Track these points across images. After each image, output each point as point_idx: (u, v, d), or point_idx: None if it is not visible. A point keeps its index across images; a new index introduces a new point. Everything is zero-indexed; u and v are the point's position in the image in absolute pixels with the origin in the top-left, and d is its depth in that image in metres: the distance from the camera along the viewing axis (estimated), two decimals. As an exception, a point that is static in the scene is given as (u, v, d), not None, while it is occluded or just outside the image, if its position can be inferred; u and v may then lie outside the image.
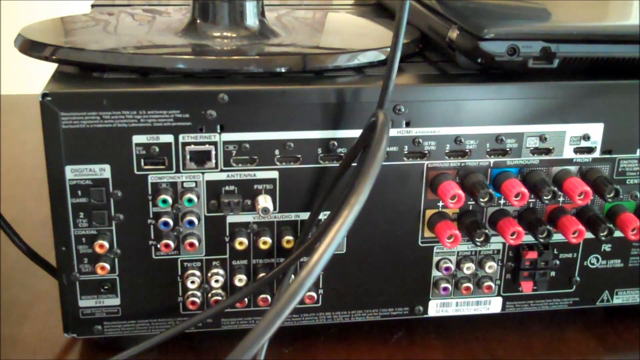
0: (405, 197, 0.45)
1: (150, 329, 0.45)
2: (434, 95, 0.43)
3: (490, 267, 0.47)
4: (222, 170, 0.42)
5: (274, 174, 0.43)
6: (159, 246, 0.43)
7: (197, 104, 0.41)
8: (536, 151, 0.45)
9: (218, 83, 0.42)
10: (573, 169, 0.46)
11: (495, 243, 0.47)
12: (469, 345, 0.48)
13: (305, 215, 0.44)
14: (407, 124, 0.43)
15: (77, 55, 0.43)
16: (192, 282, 0.44)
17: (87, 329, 0.45)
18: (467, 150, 0.44)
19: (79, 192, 0.41)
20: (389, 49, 0.40)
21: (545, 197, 0.44)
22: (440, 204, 0.45)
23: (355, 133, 0.42)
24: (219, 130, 0.41)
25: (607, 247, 0.48)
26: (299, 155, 0.43)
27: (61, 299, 0.44)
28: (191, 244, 0.43)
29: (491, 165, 0.45)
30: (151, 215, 0.43)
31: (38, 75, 0.58)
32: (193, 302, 0.44)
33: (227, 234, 0.44)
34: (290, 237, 0.44)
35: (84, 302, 0.44)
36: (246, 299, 0.45)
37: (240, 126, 0.42)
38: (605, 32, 0.44)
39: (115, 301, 0.44)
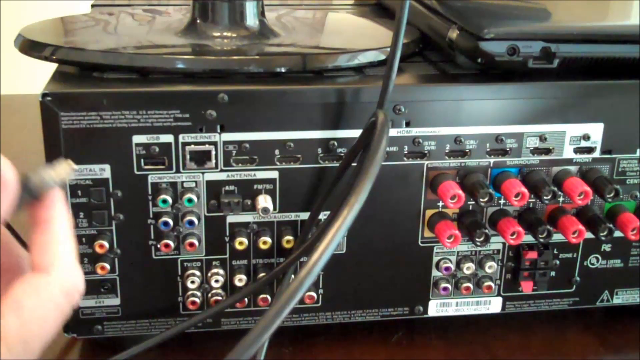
0: (405, 197, 0.45)
1: (150, 329, 0.45)
2: (434, 95, 0.43)
3: (490, 267, 0.47)
4: (222, 170, 0.42)
5: (274, 174, 0.43)
6: (159, 246, 0.43)
7: (197, 104, 0.41)
8: (536, 151, 0.45)
9: (218, 83, 0.42)
10: (573, 169, 0.46)
11: (495, 243, 0.47)
12: (469, 345, 0.48)
13: (305, 215, 0.44)
14: (407, 124, 0.43)
15: (77, 55, 0.43)
16: (192, 282, 0.44)
17: (87, 329, 0.45)
18: (467, 150, 0.44)
19: (79, 192, 0.41)
20: (389, 49, 0.40)
21: (545, 197, 0.44)
22: (440, 204, 0.45)
23: (355, 133, 0.42)
24: (219, 130, 0.41)
25: (607, 247, 0.48)
26: (299, 155, 0.43)
27: (61, 299, 0.44)
28: (191, 244, 0.43)
29: (491, 165, 0.45)
30: (151, 215, 0.42)
31: (38, 75, 0.57)
32: (193, 302, 0.44)
33: (227, 234, 0.44)
34: (290, 237, 0.44)
35: (84, 302, 0.44)
36: (246, 299, 0.45)
37: (240, 126, 0.42)
38: (605, 32, 0.44)
39: (115, 301, 0.44)
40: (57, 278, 0.30)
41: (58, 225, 0.31)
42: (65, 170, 0.32)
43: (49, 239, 0.31)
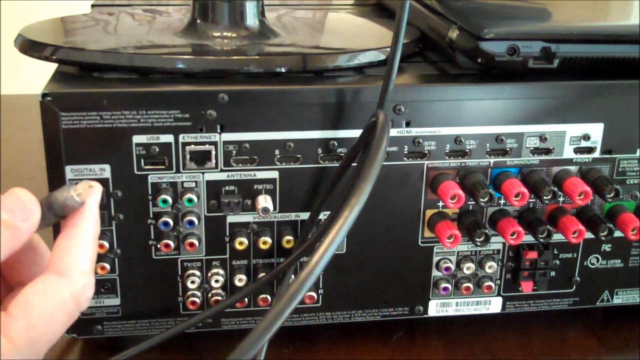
0: (405, 197, 0.45)
1: (150, 329, 0.45)
2: (434, 95, 0.43)
3: (490, 267, 0.47)
4: (222, 170, 0.42)
5: (274, 174, 0.43)
6: (159, 246, 0.43)
7: (197, 104, 0.41)
8: (536, 151, 0.45)
9: (218, 83, 0.42)
10: (573, 169, 0.46)
11: (495, 243, 0.47)
12: (469, 345, 0.48)
13: (305, 215, 0.44)
14: (407, 124, 0.43)
15: (77, 55, 0.43)
16: (192, 282, 0.44)
17: (87, 329, 0.45)
18: (467, 150, 0.44)
19: (79, 192, 0.41)
20: (389, 49, 0.40)
21: (545, 197, 0.44)
22: (440, 204, 0.45)
23: (355, 133, 0.42)
24: (219, 130, 0.41)
25: (607, 247, 0.48)
26: (299, 155, 0.43)
27: (61, 299, 0.44)
28: (191, 244, 0.43)
29: (491, 165, 0.45)
30: (151, 215, 0.42)
31: (38, 75, 0.57)
32: (193, 302, 0.44)
33: (227, 234, 0.44)
34: (290, 237, 0.44)
35: (84, 302, 0.44)
36: (246, 299, 0.45)
37: (240, 126, 0.42)
38: (605, 32, 0.44)
39: (115, 301, 0.44)
40: (69, 281, 0.31)
41: (83, 233, 0.33)
42: (84, 189, 0.33)
43: (71, 244, 0.32)
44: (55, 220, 0.33)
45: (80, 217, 0.33)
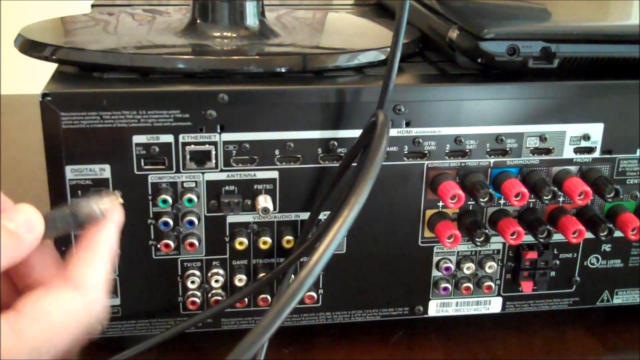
0: (405, 197, 0.45)
1: (150, 329, 0.45)
2: (434, 95, 0.43)
3: (490, 267, 0.47)
4: (222, 170, 0.42)
5: (274, 174, 0.43)
6: (159, 246, 0.43)
7: (197, 104, 0.41)
8: (536, 151, 0.45)
9: (218, 83, 0.42)
10: (573, 169, 0.46)
11: (495, 243, 0.47)
12: (469, 345, 0.48)
13: (305, 215, 0.44)
14: (407, 124, 0.43)
15: (77, 55, 0.43)
16: (192, 282, 0.44)
17: (87, 329, 0.45)
18: (467, 150, 0.44)
19: (79, 192, 0.41)
20: (389, 49, 0.40)
21: (545, 197, 0.44)
22: (440, 204, 0.45)
23: (355, 133, 0.42)
24: (219, 130, 0.41)
25: (607, 247, 0.48)
26: (299, 155, 0.43)
27: (61, 299, 0.44)
28: (191, 244, 0.43)
29: (491, 165, 0.45)
30: (151, 215, 0.42)
31: (38, 75, 0.57)
32: (193, 302, 0.44)
33: (227, 234, 0.44)
34: (290, 237, 0.44)
35: (84, 302, 0.44)
36: (246, 299, 0.45)
37: (240, 126, 0.42)
38: (605, 32, 0.44)
39: (115, 301, 0.44)
40: (85, 296, 0.32)
41: (102, 248, 0.33)
42: (111, 201, 0.33)
43: (89, 257, 0.33)
44: (73, 230, 0.33)
45: (101, 232, 0.33)
